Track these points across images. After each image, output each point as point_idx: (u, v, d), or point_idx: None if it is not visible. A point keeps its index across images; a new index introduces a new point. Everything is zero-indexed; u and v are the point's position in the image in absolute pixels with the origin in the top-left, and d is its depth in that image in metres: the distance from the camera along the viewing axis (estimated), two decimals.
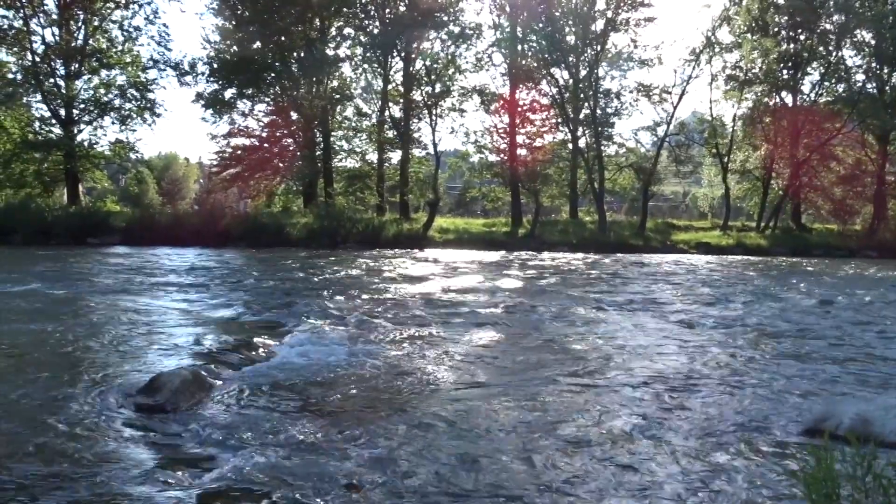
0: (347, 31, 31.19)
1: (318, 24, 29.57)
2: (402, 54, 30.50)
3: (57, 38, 26.68)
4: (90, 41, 27.53)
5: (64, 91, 26.56)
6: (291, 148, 29.63)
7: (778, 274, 15.11)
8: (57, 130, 27.10)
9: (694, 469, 2.75)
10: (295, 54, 28.82)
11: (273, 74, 28.75)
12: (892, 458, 1.84)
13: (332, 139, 31.29)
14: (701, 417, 3.50)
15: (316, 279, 11.07)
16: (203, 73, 28.66)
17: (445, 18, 29.63)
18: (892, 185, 33.32)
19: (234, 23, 28.95)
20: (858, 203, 33.77)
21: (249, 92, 29.16)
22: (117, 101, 28.11)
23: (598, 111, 31.91)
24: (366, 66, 31.63)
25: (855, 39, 31.83)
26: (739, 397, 3.94)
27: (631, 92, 33.16)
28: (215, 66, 28.55)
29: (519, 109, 31.68)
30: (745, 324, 6.93)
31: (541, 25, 30.60)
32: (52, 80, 26.63)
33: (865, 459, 1.73)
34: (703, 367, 4.77)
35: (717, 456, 2.90)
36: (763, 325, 6.91)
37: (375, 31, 30.06)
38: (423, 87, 30.82)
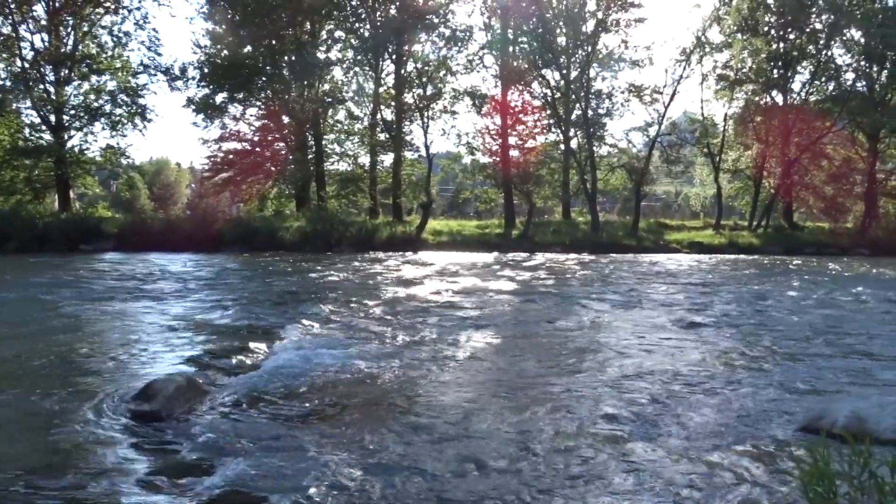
0: (338, 34, 31.16)
1: (309, 27, 29.53)
2: (394, 57, 30.49)
3: (46, 43, 26.53)
4: (80, 47, 27.37)
5: (54, 97, 26.38)
6: (283, 151, 29.56)
7: (770, 272, 15.17)
8: (47, 136, 26.91)
9: (690, 468, 2.75)
10: (286, 58, 28.75)
11: (264, 78, 28.66)
12: (888, 456, 1.84)
13: (324, 142, 31.22)
14: (696, 417, 3.51)
15: (310, 283, 11.04)
16: (194, 78, 28.54)
17: (436, 21, 29.66)
18: (883, 182, 33.51)
19: (224, 27, 28.86)
20: (849, 201, 33.91)
21: (240, 96, 29.07)
22: (108, 107, 27.93)
23: (590, 112, 31.97)
24: (357, 68, 31.59)
25: (844, 38, 32.02)
26: (735, 396, 3.95)
27: (622, 92, 33.27)
28: (206, 70, 28.41)
29: (511, 111, 31.71)
30: (739, 323, 6.95)
31: (532, 27, 30.66)
32: (41, 85, 26.46)
33: (861, 457, 1.73)
34: (698, 366, 4.78)
35: (713, 455, 2.91)
36: (756, 323, 6.93)
37: (366, 33, 30.04)
38: (414, 90, 30.83)
